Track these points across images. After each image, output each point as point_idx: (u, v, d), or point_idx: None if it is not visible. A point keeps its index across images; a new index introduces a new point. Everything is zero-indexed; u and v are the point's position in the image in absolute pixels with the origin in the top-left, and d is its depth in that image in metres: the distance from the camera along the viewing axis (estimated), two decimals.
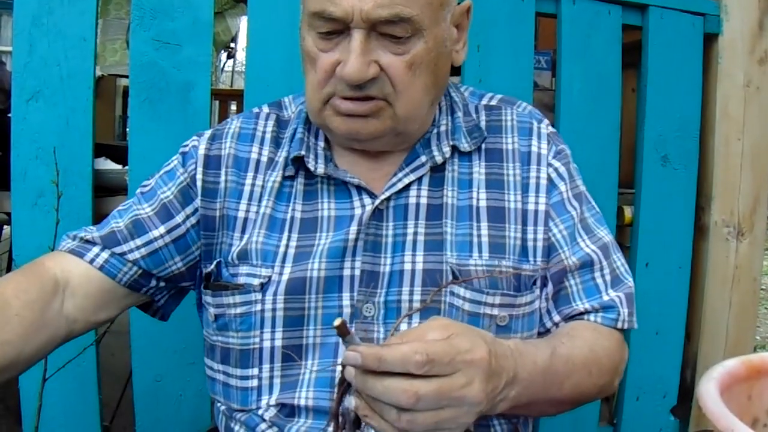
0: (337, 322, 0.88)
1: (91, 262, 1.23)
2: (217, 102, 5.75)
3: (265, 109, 1.36)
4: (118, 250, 1.24)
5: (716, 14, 2.22)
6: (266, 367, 1.20)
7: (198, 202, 1.27)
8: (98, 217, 1.82)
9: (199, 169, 1.28)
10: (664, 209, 2.21)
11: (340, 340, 0.91)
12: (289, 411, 1.19)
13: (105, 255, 1.24)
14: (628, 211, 2.23)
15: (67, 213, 1.74)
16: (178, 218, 1.26)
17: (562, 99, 2.10)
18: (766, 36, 2.25)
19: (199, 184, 1.27)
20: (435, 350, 0.87)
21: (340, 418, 0.95)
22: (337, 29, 1.12)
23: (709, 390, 0.77)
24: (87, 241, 1.25)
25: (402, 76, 1.14)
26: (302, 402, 1.18)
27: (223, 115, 5.61)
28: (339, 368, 0.94)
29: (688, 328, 2.29)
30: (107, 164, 1.96)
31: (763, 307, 6.83)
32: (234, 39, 5.40)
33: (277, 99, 1.40)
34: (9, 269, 2.60)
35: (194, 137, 1.34)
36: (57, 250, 1.28)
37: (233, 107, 6.06)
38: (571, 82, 2.10)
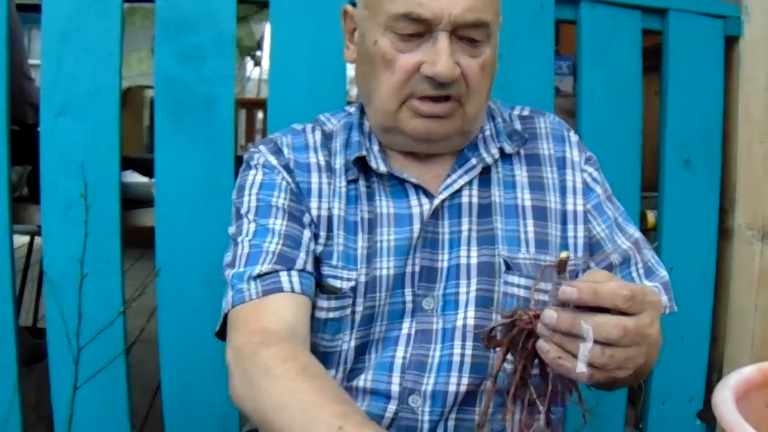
0: (563, 255, 0.92)
1: (292, 289, 1.18)
2: (243, 111, 5.76)
3: (308, 124, 1.41)
4: (297, 265, 1.21)
5: (737, 16, 2.21)
6: (341, 367, 1.26)
7: (303, 201, 1.29)
8: (126, 230, 1.85)
9: (285, 174, 1.31)
10: (687, 213, 2.21)
11: (554, 275, 0.93)
12: (348, 395, 1.20)
13: (295, 276, 1.19)
14: (651, 216, 2.23)
15: (95, 225, 1.77)
16: (306, 217, 1.28)
17: (583, 104, 2.10)
18: None
19: (294, 185, 1.30)
20: (633, 287, 0.89)
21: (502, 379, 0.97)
22: (419, 31, 1.18)
23: (724, 398, 0.76)
24: (265, 275, 1.19)
25: (476, 76, 1.22)
26: (361, 384, 1.23)
27: (251, 124, 5.61)
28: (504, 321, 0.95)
29: (714, 332, 2.28)
30: (134, 177, 1.99)
31: None
32: (259, 45, 5.40)
33: (315, 115, 1.44)
34: (40, 280, 2.64)
35: (255, 154, 1.35)
36: (243, 302, 1.17)
37: (260, 116, 6.01)
38: (591, 87, 2.10)
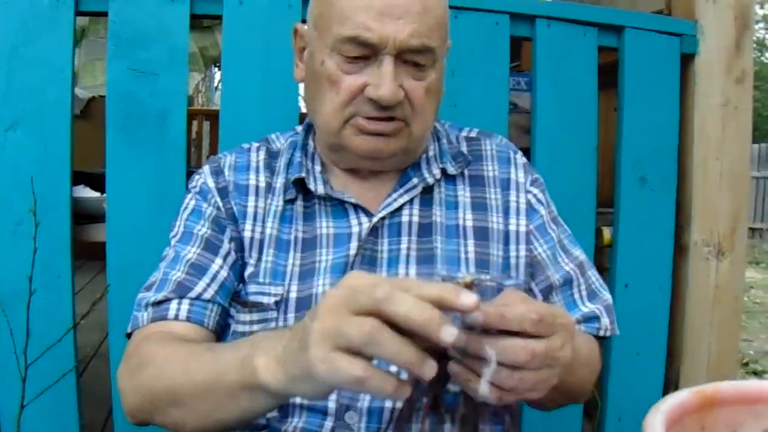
0: (468, 279, 0.90)
1: (176, 317, 1.23)
2: (207, 123, 5.75)
3: (254, 144, 1.44)
4: (192, 294, 1.25)
5: (693, 35, 2.23)
6: None
7: (229, 227, 1.32)
8: (77, 245, 1.84)
9: (218, 199, 1.34)
10: (643, 230, 2.22)
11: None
12: (284, 411, 1.23)
13: (185, 305, 1.24)
14: (606, 232, 2.24)
15: (45, 241, 1.76)
16: (224, 246, 1.31)
17: (538, 121, 2.11)
18: (743, 55, 2.26)
19: (223, 211, 1.33)
20: (542, 311, 0.90)
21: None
22: (365, 54, 1.21)
23: (654, 424, 0.77)
24: (160, 303, 1.24)
25: (421, 99, 1.25)
26: (298, 400, 1.22)
27: (215, 136, 5.60)
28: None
29: (670, 348, 2.29)
30: (86, 192, 1.98)
31: (757, 321, 6.82)
32: None
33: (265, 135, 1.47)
34: None
35: (196, 176, 1.39)
36: (137, 328, 1.25)
37: None
38: (547, 104, 2.11)
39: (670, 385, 2.31)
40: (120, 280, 1.81)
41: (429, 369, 0.80)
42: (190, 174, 1.54)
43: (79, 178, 1.92)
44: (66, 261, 1.81)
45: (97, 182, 1.97)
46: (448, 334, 0.79)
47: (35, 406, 1.74)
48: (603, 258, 2.29)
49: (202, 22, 4.47)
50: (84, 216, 1.91)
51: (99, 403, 2.21)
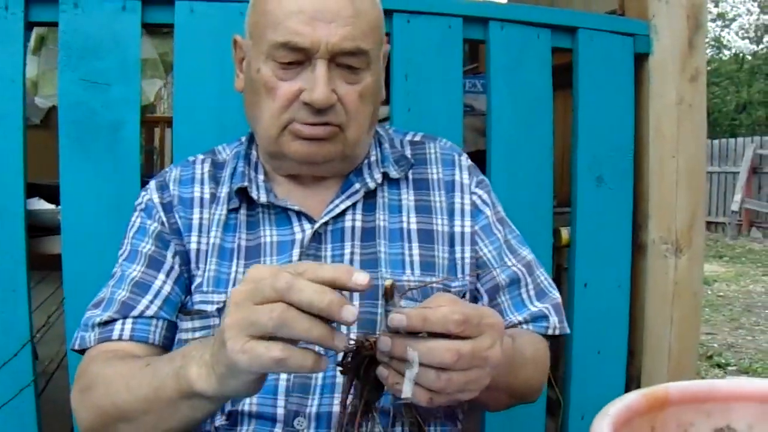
0: (388, 283, 0.93)
1: (120, 337, 1.26)
2: (169, 130, 5.69)
3: (200, 156, 1.46)
4: (135, 312, 1.27)
5: (646, 34, 2.25)
6: None
7: (173, 242, 1.34)
8: (33, 257, 1.82)
9: (162, 215, 1.35)
10: (600, 229, 2.23)
11: (383, 303, 0.94)
12: (234, 419, 1.24)
13: (129, 324, 1.27)
14: (564, 233, 2.25)
15: (0, 254, 1.74)
16: (168, 261, 1.33)
17: (493, 123, 2.11)
18: (696, 54, 2.28)
19: (167, 227, 1.35)
20: (467, 312, 0.92)
21: (349, 407, 0.98)
22: (298, 60, 1.23)
23: (601, 428, 0.78)
24: (106, 323, 1.27)
25: (355, 103, 1.27)
26: (246, 408, 1.23)
27: None
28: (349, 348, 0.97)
29: (631, 346, 2.31)
30: (41, 204, 1.96)
31: (721, 314, 6.91)
32: None
33: (211, 146, 1.50)
34: None
35: (142, 192, 1.42)
36: (85, 347, 1.28)
37: None
38: (501, 105, 2.11)
39: (632, 382, 2.33)
40: (76, 292, 1.79)
41: (339, 341, 0.86)
42: (146, 184, 1.54)
43: (33, 190, 1.90)
44: (21, 274, 1.78)
45: (53, 194, 1.95)
46: (349, 314, 0.84)
47: None
48: (561, 258, 2.31)
49: (161, 29, 4.44)
50: (40, 228, 1.90)
51: (64, 416, 2.19)
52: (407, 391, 0.91)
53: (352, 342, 0.96)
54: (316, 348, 0.89)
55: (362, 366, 0.96)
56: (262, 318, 0.85)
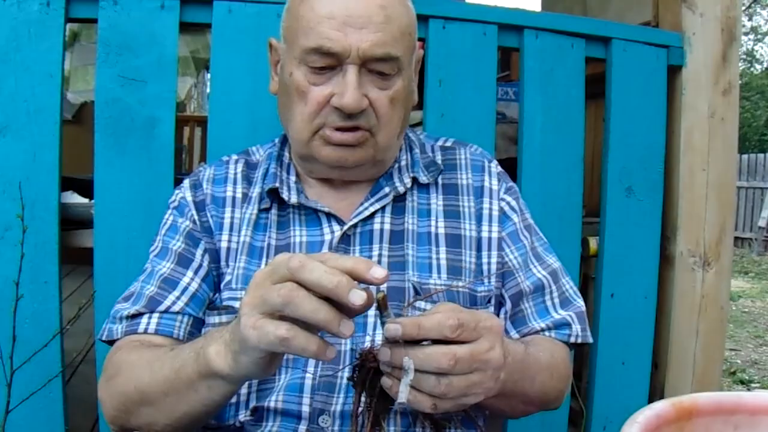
0: (380, 295, 0.94)
1: (146, 331, 1.28)
2: (199, 129, 5.72)
3: (234, 156, 1.48)
4: (162, 308, 1.30)
5: (680, 46, 2.24)
6: (245, 385, 1.27)
7: (203, 240, 1.36)
8: (66, 251, 1.84)
9: (194, 213, 1.38)
10: (629, 240, 2.23)
11: (378, 314, 0.96)
12: (259, 415, 1.25)
13: (155, 318, 1.29)
14: (593, 242, 2.25)
15: (33, 246, 1.76)
16: (197, 259, 1.35)
17: (525, 131, 2.12)
18: (730, 67, 2.28)
19: (198, 225, 1.37)
20: (462, 316, 0.94)
21: (359, 418, 1.00)
22: (330, 64, 1.25)
23: None
24: (133, 316, 1.30)
25: (386, 108, 1.28)
26: (272, 405, 1.24)
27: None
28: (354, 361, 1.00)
29: (655, 358, 2.30)
30: (74, 198, 1.98)
31: (745, 331, 6.84)
32: None
33: (244, 147, 1.51)
34: None
35: (176, 191, 1.45)
36: (112, 339, 1.32)
37: None
38: (534, 114, 2.12)
39: (655, 394, 2.32)
40: (107, 286, 1.82)
41: (345, 328, 0.87)
42: (178, 181, 1.55)
43: (67, 183, 1.92)
44: (53, 267, 1.81)
45: (86, 188, 1.97)
46: (357, 297, 0.85)
47: (21, 411, 1.73)
48: (589, 267, 2.30)
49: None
50: (72, 222, 1.92)
51: (87, 408, 2.21)
52: (402, 396, 0.93)
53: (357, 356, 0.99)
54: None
55: (368, 378, 0.98)
56: (272, 295, 0.87)
